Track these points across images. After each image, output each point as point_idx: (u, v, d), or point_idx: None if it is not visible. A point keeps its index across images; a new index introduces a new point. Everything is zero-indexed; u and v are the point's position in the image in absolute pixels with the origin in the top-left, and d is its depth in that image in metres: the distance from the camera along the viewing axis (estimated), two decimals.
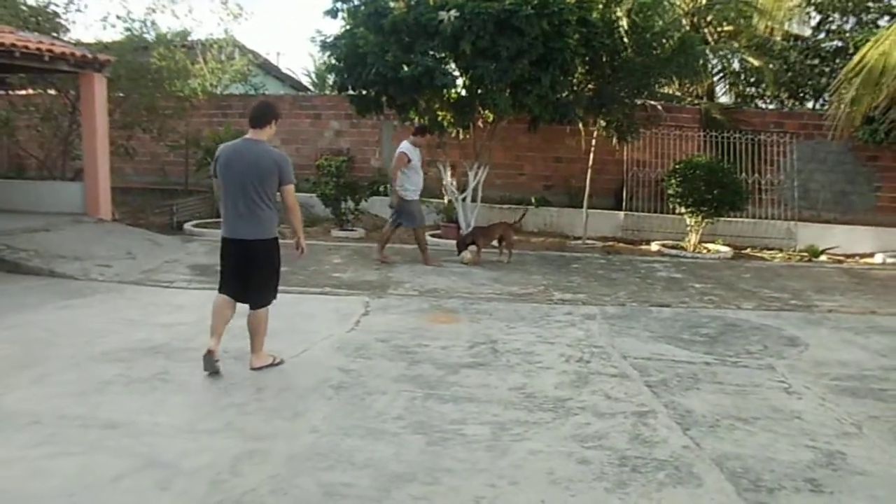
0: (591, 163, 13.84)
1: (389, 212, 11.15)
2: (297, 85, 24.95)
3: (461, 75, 12.04)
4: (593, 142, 13.85)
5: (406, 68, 11.15)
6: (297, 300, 8.20)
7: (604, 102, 12.92)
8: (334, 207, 13.79)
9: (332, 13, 12.08)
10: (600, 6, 12.60)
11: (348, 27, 11.87)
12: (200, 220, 13.99)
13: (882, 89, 9.80)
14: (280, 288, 6.04)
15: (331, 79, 13.53)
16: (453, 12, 10.84)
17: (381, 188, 13.90)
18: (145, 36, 14.95)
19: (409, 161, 10.35)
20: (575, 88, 12.68)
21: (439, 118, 12.55)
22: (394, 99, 12.00)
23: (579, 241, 13.58)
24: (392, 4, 11.43)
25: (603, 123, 13.45)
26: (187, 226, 13.47)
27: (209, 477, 3.94)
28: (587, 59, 12.39)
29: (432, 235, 12.64)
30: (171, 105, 14.56)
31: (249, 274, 5.68)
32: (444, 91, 11.96)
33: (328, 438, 4.53)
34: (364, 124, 16.07)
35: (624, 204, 14.81)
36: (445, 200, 13.79)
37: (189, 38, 16.42)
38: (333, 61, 12.17)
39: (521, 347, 6.67)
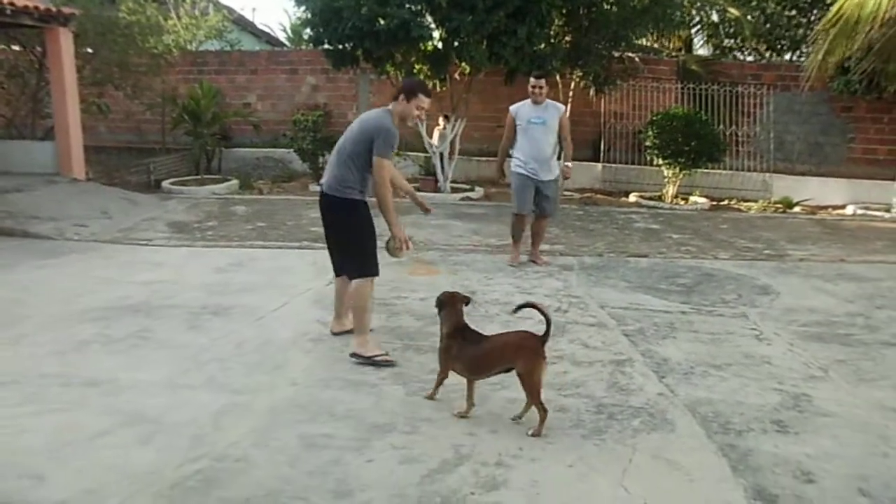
0: (568, 114, 13.79)
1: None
2: (273, 41, 24.61)
3: (437, 27, 11.93)
4: (570, 94, 13.81)
5: (382, 21, 11.05)
6: (275, 255, 8.24)
7: (581, 54, 12.88)
8: (311, 162, 13.73)
9: None
10: None
11: None
12: (178, 178, 13.87)
13: (856, 40, 9.81)
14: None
15: (306, 33, 13.38)
16: None
17: None
18: None
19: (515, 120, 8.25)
20: (552, 40, 12.60)
21: (416, 71, 12.46)
22: (370, 52, 11.89)
23: None
24: None
25: (580, 75, 13.40)
26: (165, 184, 13.35)
27: (191, 431, 3.98)
28: (564, 11, 12.31)
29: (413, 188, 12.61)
30: (145, 62, 14.29)
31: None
32: (421, 44, 11.86)
33: (308, 390, 4.58)
34: (340, 79, 15.88)
35: (602, 155, 14.85)
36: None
37: None
38: (308, 16, 12.02)
39: (499, 298, 6.73)
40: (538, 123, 7.94)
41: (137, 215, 10.62)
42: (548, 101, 8.06)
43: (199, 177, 13.90)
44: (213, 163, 15.20)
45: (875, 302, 7.22)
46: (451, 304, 4.44)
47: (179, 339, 5.46)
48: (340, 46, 12.06)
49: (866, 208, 13.53)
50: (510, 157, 8.20)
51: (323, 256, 5.95)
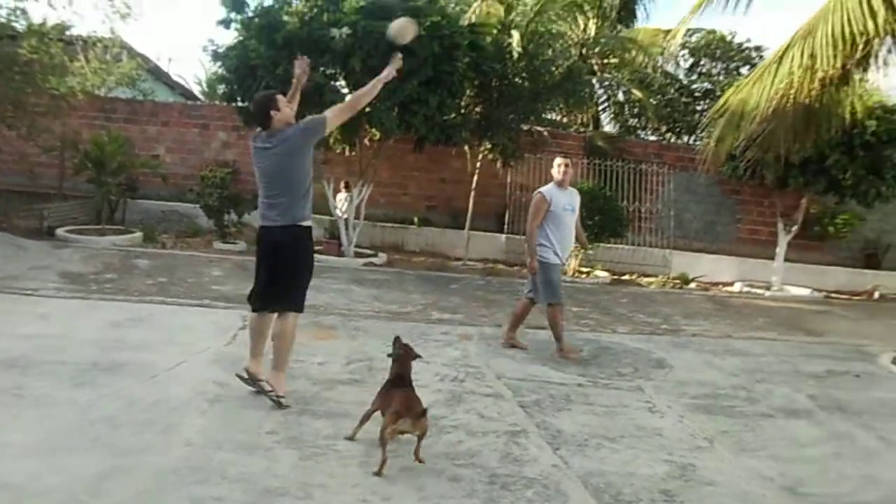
0: (474, 185, 14.11)
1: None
2: (187, 93, 24.34)
3: (350, 92, 12.07)
4: (478, 164, 14.12)
5: None
6: (175, 312, 8.04)
7: (490, 126, 13.22)
8: (217, 219, 13.54)
9: (226, 23, 11.98)
10: (494, 31, 12.92)
11: (241, 38, 11.74)
12: (76, 227, 13.40)
13: (741, 131, 10.46)
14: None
15: (221, 89, 13.31)
16: (345, 29, 10.89)
17: None
18: (13, 24, 13.97)
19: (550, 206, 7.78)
20: (462, 111, 12.93)
21: (326, 134, 12.52)
22: None
23: (460, 262, 13.79)
24: (286, 18, 11.36)
25: (488, 146, 13.73)
26: (60, 231, 12.86)
27: (61, 499, 3.75)
28: (476, 82, 12.67)
29: (315, 252, 12.55)
30: (44, 102, 13.78)
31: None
32: None
33: (201, 451, 4.46)
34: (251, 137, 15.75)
35: (506, 227, 15.14)
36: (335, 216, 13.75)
37: (67, 33, 15.63)
38: (224, 72, 12.01)
39: None
40: (570, 211, 7.81)
41: (24, 263, 10.13)
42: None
43: (99, 226, 13.42)
44: (116, 213, 14.71)
45: (756, 376, 7.66)
46: (404, 356, 4.97)
47: (62, 397, 5.17)
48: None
49: (751, 286, 14.30)
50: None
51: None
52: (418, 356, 5.06)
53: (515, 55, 13.08)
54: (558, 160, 7.95)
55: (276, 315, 5.47)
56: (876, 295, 15.05)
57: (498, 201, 15.35)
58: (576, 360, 7.59)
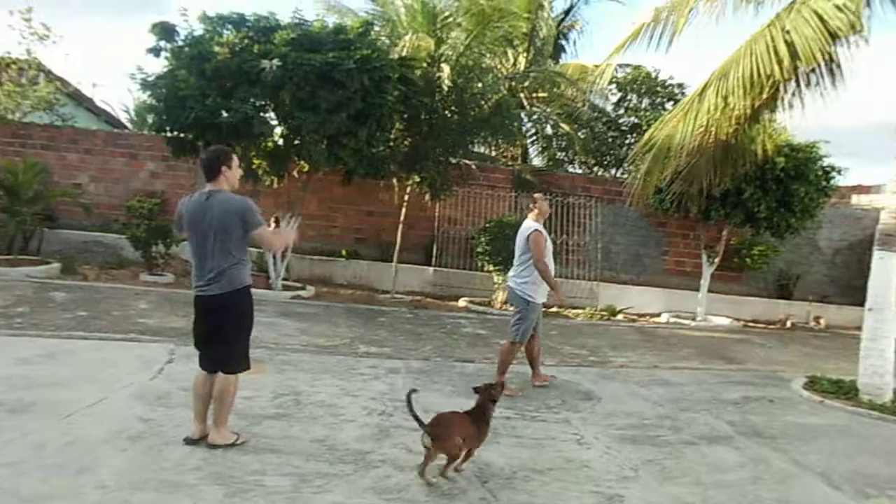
0: (403, 218, 14.14)
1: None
2: (113, 121, 23.69)
3: (279, 124, 12.04)
4: (406, 197, 14.17)
5: (225, 114, 11.04)
6: (97, 347, 7.79)
7: (419, 159, 13.29)
8: (144, 251, 13.20)
9: (155, 52, 11.78)
10: (424, 65, 13.05)
11: (170, 67, 11.57)
12: None
13: (667, 165, 10.83)
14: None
15: (150, 119, 13.05)
16: (276, 61, 10.86)
17: None
18: None
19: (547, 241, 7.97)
20: (391, 144, 12.95)
21: (254, 166, 12.43)
22: (210, 144, 11.69)
23: (388, 295, 13.76)
24: (217, 49, 11.25)
25: (417, 179, 13.79)
26: None
27: None
28: (405, 115, 12.73)
29: None
30: None
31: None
32: (262, 140, 11.90)
33: (117, 495, 4.31)
34: (180, 167, 15.49)
35: (434, 259, 15.20)
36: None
37: None
38: (153, 101, 11.82)
39: (324, 399, 6.68)
40: (551, 247, 7.98)
41: None
42: None
43: (11, 257, 12.94)
44: (31, 243, 14.15)
45: (680, 405, 7.85)
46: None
47: None
48: (182, 135, 11.90)
49: (677, 317, 14.64)
50: (518, 278, 7.94)
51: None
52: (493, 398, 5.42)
53: (445, 88, 13.23)
54: (536, 196, 8.17)
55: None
56: (788, 324, 15.64)
57: (426, 234, 15.41)
58: (510, 393, 7.34)
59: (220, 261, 5.11)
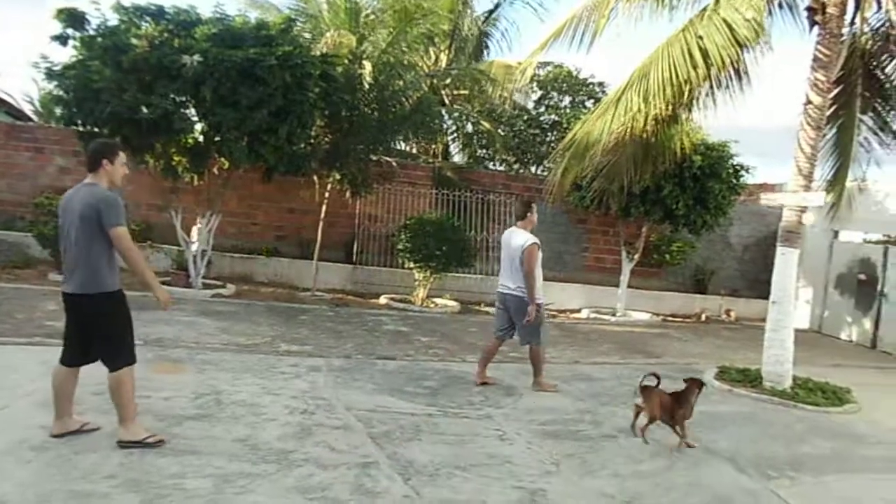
0: (323, 215, 14.04)
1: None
2: (16, 112, 22.63)
3: (200, 121, 11.79)
4: (327, 194, 14.07)
5: (145, 109, 10.72)
6: None
7: (340, 156, 13.21)
8: (53, 249, 12.71)
9: (62, 40, 11.19)
10: (345, 62, 12.97)
11: (81, 58, 11.09)
12: None
13: (587, 163, 11.05)
14: None
15: (58, 111, 12.48)
16: (196, 57, 10.64)
17: None
18: None
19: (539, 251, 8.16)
20: (312, 141, 12.85)
21: (174, 163, 12.15)
22: (129, 140, 11.33)
23: (309, 293, 13.64)
24: (134, 41, 10.88)
25: (338, 177, 13.71)
26: None
27: None
28: (326, 112, 12.64)
29: (161, 282, 12.04)
30: None
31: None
32: (182, 136, 11.63)
33: None
34: None
35: (355, 257, 15.15)
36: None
37: None
38: (61, 93, 11.34)
39: (246, 399, 6.59)
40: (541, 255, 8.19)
41: None
42: None
43: None
44: None
45: (600, 399, 8.05)
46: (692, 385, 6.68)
47: None
48: (96, 130, 11.47)
49: (597, 312, 14.96)
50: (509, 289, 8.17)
51: (57, 354, 5.48)
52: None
53: (366, 86, 13.19)
54: (534, 206, 8.45)
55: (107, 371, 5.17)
56: (703, 317, 16.18)
57: (347, 231, 15.35)
58: (553, 391, 8.17)
59: (79, 256, 5.00)
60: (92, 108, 10.86)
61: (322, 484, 4.83)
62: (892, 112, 11.36)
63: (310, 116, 11.87)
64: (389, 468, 5.28)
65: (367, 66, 13.31)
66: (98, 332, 5.10)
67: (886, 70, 10.98)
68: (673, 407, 6.50)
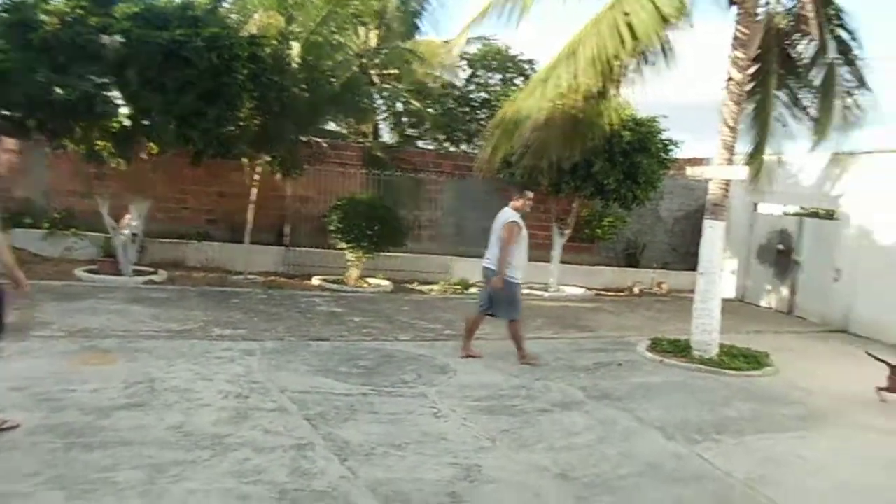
0: (254, 198, 13.82)
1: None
2: None
3: (125, 104, 11.40)
4: (257, 177, 13.85)
5: (61, 91, 10.32)
6: None
7: (270, 138, 12.98)
8: None
9: None
10: (274, 42, 12.72)
11: None
12: None
13: (516, 139, 11.12)
14: None
15: None
16: (118, 37, 10.30)
17: (29, 220, 12.71)
18: None
19: (522, 231, 8.73)
20: (241, 123, 12.59)
21: (98, 148, 11.76)
22: (43, 124, 10.93)
23: (241, 277, 13.44)
24: (44, 18, 10.38)
25: (268, 159, 13.52)
26: None
27: None
28: (255, 94, 12.39)
29: (87, 271, 11.77)
30: None
31: None
32: (105, 119, 11.25)
33: None
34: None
35: (286, 239, 15.00)
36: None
37: None
38: None
39: (179, 385, 6.51)
40: (526, 236, 8.75)
41: None
42: None
43: None
44: None
45: (535, 374, 8.19)
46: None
47: None
48: (7, 113, 11.01)
49: (530, 288, 15.06)
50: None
51: None
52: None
53: (295, 66, 12.98)
54: (530, 193, 9.00)
55: None
56: (636, 290, 16.49)
57: (279, 213, 15.13)
58: (537, 365, 8.59)
59: None
60: (1, 90, 10.37)
61: (258, 467, 4.83)
62: (804, 89, 11.75)
63: (238, 98, 11.61)
64: (325, 449, 5.30)
65: (296, 46, 13.08)
66: None
67: (798, 49, 11.41)
68: None
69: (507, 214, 8.67)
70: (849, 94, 11.50)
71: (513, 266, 8.56)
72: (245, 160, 13.50)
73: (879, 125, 12.48)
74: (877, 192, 13.38)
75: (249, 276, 13.45)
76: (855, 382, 8.93)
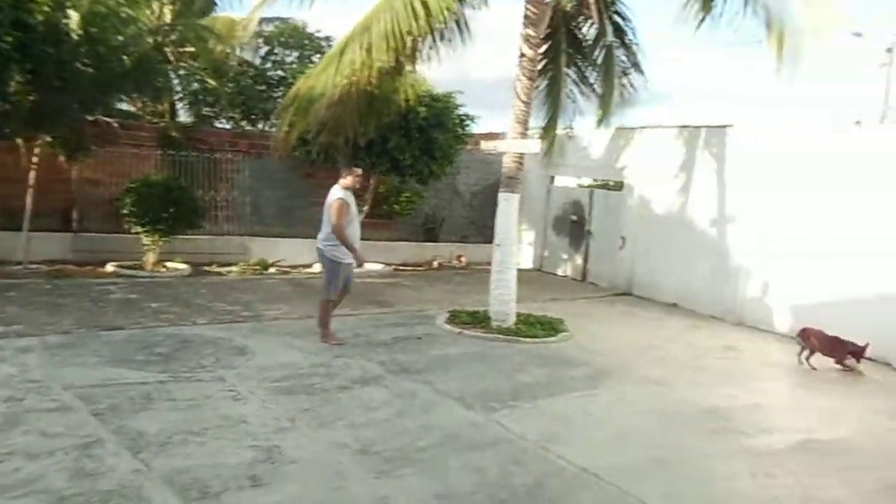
0: (33, 181, 12.78)
1: None
2: None
3: None
4: (35, 158, 12.81)
5: None
6: None
7: (48, 117, 12.03)
8: None
9: None
10: (46, 9, 11.71)
11: None
12: None
13: (311, 116, 11.03)
14: None
15: None
16: None
17: None
18: None
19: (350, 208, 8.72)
20: (11, 99, 11.56)
21: None
22: None
23: (20, 267, 12.42)
24: None
25: (48, 139, 12.55)
26: None
27: None
28: (28, 67, 11.41)
29: None
30: None
31: None
32: None
33: None
34: None
35: (74, 225, 14.05)
36: None
37: None
38: None
39: None
40: (357, 213, 8.88)
41: None
42: None
43: None
44: None
45: (334, 352, 8.21)
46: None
47: None
48: None
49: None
50: (326, 241, 8.63)
51: None
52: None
53: (76, 38, 12.03)
54: (357, 171, 9.03)
55: None
56: (435, 264, 16.90)
57: (64, 198, 14.09)
58: (338, 344, 8.50)
59: None
60: None
61: (31, 476, 4.49)
62: (590, 68, 12.49)
63: (4, 70, 10.66)
64: (116, 444, 5.07)
65: (74, 15, 12.13)
66: None
67: (583, 30, 12.15)
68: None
69: (336, 193, 8.62)
70: (625, 73, 12.37)
71: (341, 246, 8.53)
72: (19, 141, 12.43)
73: (660, 102, 13.69)
74: (652, 165, 14.50)
75: (30, 266, 12.45)
76: (636, 340, 9.79)
